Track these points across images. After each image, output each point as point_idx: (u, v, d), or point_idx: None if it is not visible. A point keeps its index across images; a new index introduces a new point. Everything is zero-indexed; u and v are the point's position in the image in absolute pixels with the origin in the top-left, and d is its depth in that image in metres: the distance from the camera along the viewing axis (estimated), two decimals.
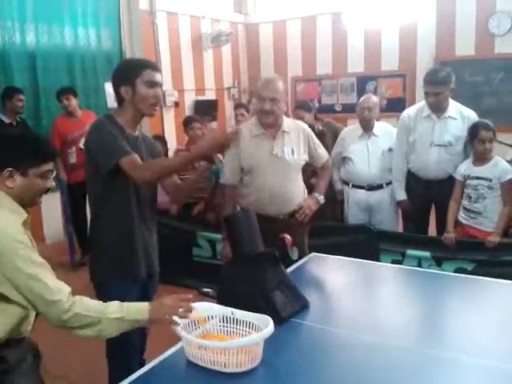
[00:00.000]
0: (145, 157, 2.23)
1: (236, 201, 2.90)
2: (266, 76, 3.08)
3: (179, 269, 4.12)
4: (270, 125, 2.86)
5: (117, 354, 2.18)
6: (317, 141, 3.08)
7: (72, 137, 5.00)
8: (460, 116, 3.59)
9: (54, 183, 1.74)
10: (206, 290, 2.19)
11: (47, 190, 1.74)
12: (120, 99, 2.21)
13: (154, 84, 2.18)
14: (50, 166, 1.72)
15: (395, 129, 3.97)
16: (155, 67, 2.24)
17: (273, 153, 2.86)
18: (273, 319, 1.70)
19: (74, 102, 5.05)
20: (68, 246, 5.04)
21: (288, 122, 2.96)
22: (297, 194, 2.95)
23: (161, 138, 4.84)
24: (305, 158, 2.98)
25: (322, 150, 3.09)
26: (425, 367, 1.66)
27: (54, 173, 1.76)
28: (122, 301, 1.69)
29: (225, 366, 1.60)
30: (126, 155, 2.07)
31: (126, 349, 2.16)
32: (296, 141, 2.93)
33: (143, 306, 1.69)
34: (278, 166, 2.86)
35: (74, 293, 1.63)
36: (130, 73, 2.17)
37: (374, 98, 4.01)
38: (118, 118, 2.21)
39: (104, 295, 2.05)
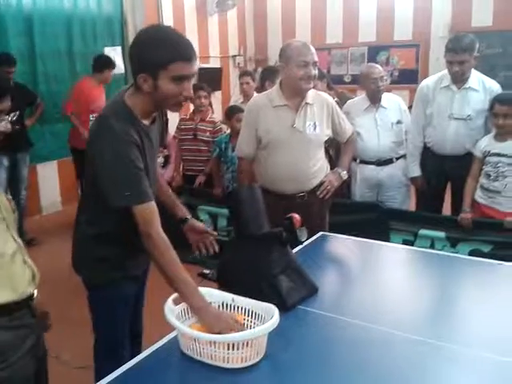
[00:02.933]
0: (155, 144, 1.84)
1: (251, 176, 2.78)
2: (294, 40, 2.84)
3: (178, 243, 3.95)
4: (304, 92, 2.70)
5: (105, 352, 1.96)
6: (342, 114, 2.94)
7: (98, 105, 4.71)
8: (482, 87, 3.39)
9: (5, 126, 1.50)
10: (205, 271, 2.03)
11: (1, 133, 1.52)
12: (136, 84, 1.68)
13: (184, 78, 1.64)
14: None
15: (402, 100, 3.87)
16: (190, 56, 1.63)
17: (294, 126, 2.70)
18: (277, 306, 1.55)
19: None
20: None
21: (312, 94, 2.79)
22: (318, 172, 2.82)
23: None
24: (327, 133, 2.83)
25: (346, 124, 2.94)
26: (437, 361, 1.52)
27: (9, 116, 1.54)
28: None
29: (226, 361, 1.44)
30: (143, 202, 1.63)
31: (119, 336, 1.95)
32: (319, 114, 2.77)
33: None
34: (298, 141, 2.72)
35: None
36: (154, 59, 1.60)
37: (379, 67, 3.87)
38: (132, 103, 1.70)
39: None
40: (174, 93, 1.64)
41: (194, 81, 1.74)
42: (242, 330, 1.49)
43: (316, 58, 2.67)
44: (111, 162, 1.61)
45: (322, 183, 2.79)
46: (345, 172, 2.89)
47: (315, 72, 2.67)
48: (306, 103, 2.73)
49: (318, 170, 2.82)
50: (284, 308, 1.72)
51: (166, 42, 1.62)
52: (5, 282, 1.48)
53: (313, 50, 2.68)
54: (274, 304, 1.57)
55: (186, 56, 1.62)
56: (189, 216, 2.11)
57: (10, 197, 1.64)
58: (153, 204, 1.66)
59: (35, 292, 1.59)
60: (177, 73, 1.61)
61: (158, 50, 1.60)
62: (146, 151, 1.72)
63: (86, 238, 1.88)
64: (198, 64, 1.71)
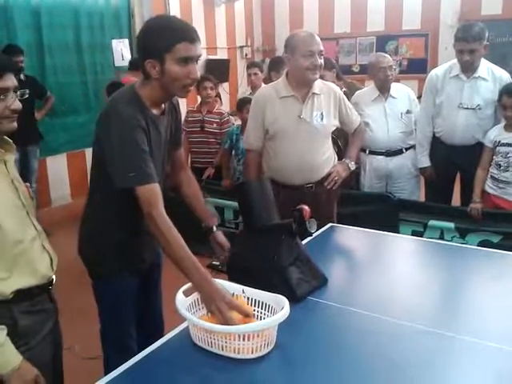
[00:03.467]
0: (163, 136, 1.85)
1: (259, 169, 2.76)
2: (299, 31, 2.82)
3: (185, 235, 3.97)
4: (311, 82, 2.68)
5: (113, 330, 1.99)
6: (349, 104, 2.92)
7: None
8: (491, 77, 3.36)
9: (15, 104, 1.45)
10: (215, 263, 2.03)
11: (13, 112, 1.47)
12: (145, 72, 1.73)
13: (189, 59, 1.69)
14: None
15: (411, 90, 3.85)
16: (192, 37, 1.70)
17: (301, 117, 2.68)
18: (288, 298, 1.55)
19: None
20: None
21: (319, 84, 2.76)
22: (325, 163, 2.80)
23: None
24: (335, 123, 2.81)
25: (354, 115, 2.92)
26: (447, 351, 1.52)
27: (17, 93, 1.49)
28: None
29: (237, 351, 1.44)
30: (147, 183, 1.66)
31: (124, 326, 1.97)
32: (326, 105, 2.75)
33: None
34: (305, 132, 2.70)
35: None
36: (159, 44, 1.67)
37: (388, 56, 3.85)
38: (142, 92, 1.76)
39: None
40: (181, 75, 1.69)
41: (200, 72, 1.76)
42: (231, 320, 1.49)
43: (322, 48, 2.65)
44: (117, 145, 1.66)
45: (329, 174, 2.77)
46: (353, 163, 2.88)
47: (321, 61, 2.65)
48: (313, 93, 2.71)
49: (325, 160, 2.80)
50: (294, 299, 1.73)
51: (170, 27, 1.71)
52: (26, 268, 1.50)
53: (318, 39, 2.66)
54: (284, 295, 1.57)
55: (189, 37, 1.69)
56: (215, 226, 2.11)
57: (29, 184, 1.65)
58: (156, 186, 1.69)
59: (54, 277, 1.62)
60: (182, 54, 1.67)
61: (163, 35, 1.68)
62: (151, 138, 1.76)
63: (90, 226, 1.92)
64: (201, 51, 1.76)
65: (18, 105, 1.47)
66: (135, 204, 1.67)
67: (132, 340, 1.96)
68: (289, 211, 1.94)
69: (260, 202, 1.90)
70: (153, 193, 1.67)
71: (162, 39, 1.67)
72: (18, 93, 1.50)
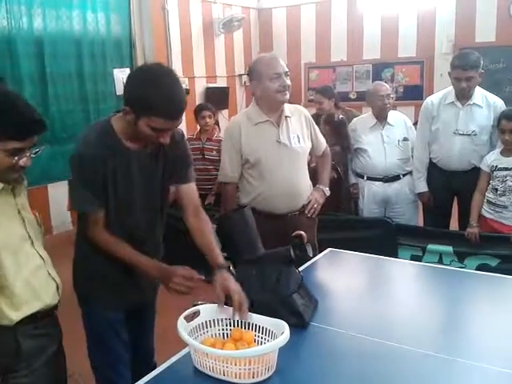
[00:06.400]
0: (147, 170, 1.85)
1: (236, 200, 2.69)
2: (260, 56, 2.81)
3: (185, 260, 3.97)
4: (282, 104, 2.63)
5: (102, 366, 1.98)
6: (316, 126, 2.86)
7: None
8: (485, 103, 3.43)
9: (25, 162, 1.50)
10: (200, 302, 2.01)
11: (21, 168, 1.52)
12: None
13: (160, 130, 1.68)
14: (18, 144, 1.46)
15: (408, 118, 3.91)
16: (173, 117, 1.67)
17: (279, 141, 2.62)
18: (295, 324, 1.59)
19: None
20: None
21: (288, 107, 2.71)
22: (307, 187, 2.75)
23: None
24: (309, 144, 2.75)
25: (321, 137, 2.87)
26: (446, 375, 1.53)
27: (32, 151, 1.53)
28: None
29: (237, 376, 1.46)
30: (90, 211, 1.80)
31: (111, 362, 1.95)
32: (299, 126, 2.71)
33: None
34: (286, 155, 2.63)
35: None
36: (139, 103, 1.64)
37: (386, 85, 3.93)
38: (116, 125, 1.78)
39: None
40: (149, 136, 1.71)
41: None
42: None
43: (286, 68, 2.59)
44: (72, 174, 1.79)
45: (308, 202, 2.70)
46: (327, 188, 2.80)
47: (289, 82, 2.59)
48: (286, 116, 2.66)
49: (308, 184, 2.76)
50: (302, 324, 1.76)
51: (160, 93, 1.62)
52: (31, 295, 1.55)
53: (281, 61, 2.61)
54: (292, 323, 1.58)
55: (171, 116, 1.66)
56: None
57: (37, 212, 1.69)
58: (94, 213, 1.80)
59: (58, 302, 1.66)
60: (157, 126, 1.66)
61: (149, 97, 1.62)
62: (117, 173, 1.78)
63: (78, 257, 2.00)
64: (180, 123, 1.74)
65: (27, 163, 1.51)
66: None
67: (121, 377, 1.94)
68: (275, 240, 1.93)
69: (243, 235, 1.88)
70: (92, 220, 1.80)
71: (146, 101, 1.62)
72: (33, 151, 1.52)
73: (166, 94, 1.63)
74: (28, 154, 1.51)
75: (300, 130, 2.70)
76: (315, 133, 2.82)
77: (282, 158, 2.62)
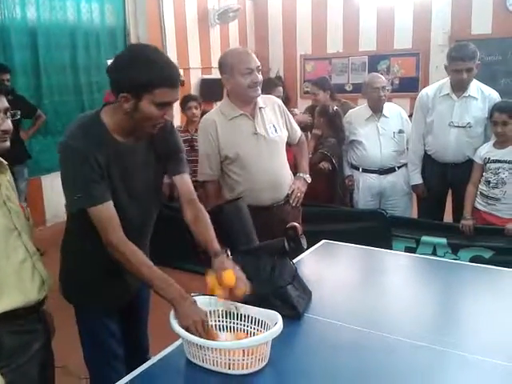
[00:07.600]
0: (140, 163, 1.78)
1: (219, 198, 2.65)
2: (231, 49, 2.79)
3: (179, 252, 3.96)
4: (255, 99, 2.60)
5: (96, 363, 1.94)
6: (290, 115, 2.84)
7: None
8: (481, 96, 3.42)
9: (3, 124, 1.49)
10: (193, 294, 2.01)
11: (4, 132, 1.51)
12: (117, 103, 1.64)
13: (166, 104, 1.64)
14: None
15: (403, 110, 3.90)
16: (175, 83, 1.63)
17: (256, 133, 2.59)
18: (290, 316, 1.59)
19: None
20: None
21: (261, 97, 2.67)
22: (288, 176, 2.74)
23: None
24: (286, 133, 2.73)
25: (295, 125, 2.85)
26: (441, 367, 1.53)
27: (3, 114, 1.50)
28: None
29: (229, 367, 1.46)
30: (93, 204, 1.62)
31: (106, 359, 1.92)
32: (274, 116, 2.69)
33: None
34: (265, 147, 2.61)
35: None
36: (137, 81, 1.57)
37: (382, 77, 3.92)
38: (108, 120, 1.69)
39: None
40: (155, 116, 1.64)
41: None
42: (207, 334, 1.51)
43: (258, 63, 2.55)
44: (66, 175, 1.66)
45: (292, 191, 2.70)
46: (307, 175, 2.79)
47: (261, 77, 2.56)
48: (260, 108, 2.64)
49: (288, 174, 2.74)
50: (296, 316, 1.76)
51: (155, 65, 1.59)
52: (13, 289, 1.51)
53: (253, 55, 2.57)
54: (286, 314, 1.58)
55: (172, 83, 1.62)
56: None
57: (25, 204, 1.67)
58: (107, 206, 1.63)
59: (45, 297, 1.62)
60: (161, 99, 1.60)
61: (146, 73, 1.57)
62: (111, 168, 1.68)
63: (65, 268, 1.91)
64: (178, 95, 1.69)
65: (8, 125, 1.50)
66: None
67: (115, 372, 1.88)
68: (258, 234, 1.91)
69: (239, 227, 1.87)
70: (104, 215, 1.63)
71: (141, 77, 1.57)
72: (9, 114, 1.51)
73: (161, 64, 1.61)
74: (4, 117, 1.50)
75: (275, 120, 2.69)
76: (290, 121, 2.80)
77: (261, 149, 2.61)
